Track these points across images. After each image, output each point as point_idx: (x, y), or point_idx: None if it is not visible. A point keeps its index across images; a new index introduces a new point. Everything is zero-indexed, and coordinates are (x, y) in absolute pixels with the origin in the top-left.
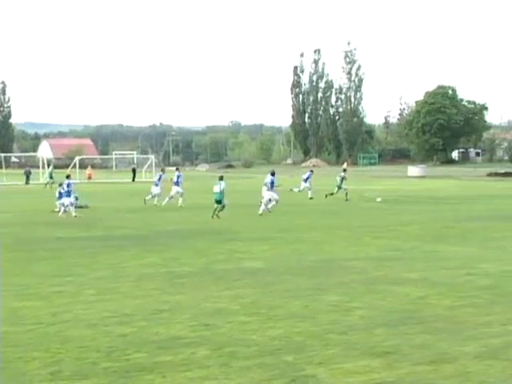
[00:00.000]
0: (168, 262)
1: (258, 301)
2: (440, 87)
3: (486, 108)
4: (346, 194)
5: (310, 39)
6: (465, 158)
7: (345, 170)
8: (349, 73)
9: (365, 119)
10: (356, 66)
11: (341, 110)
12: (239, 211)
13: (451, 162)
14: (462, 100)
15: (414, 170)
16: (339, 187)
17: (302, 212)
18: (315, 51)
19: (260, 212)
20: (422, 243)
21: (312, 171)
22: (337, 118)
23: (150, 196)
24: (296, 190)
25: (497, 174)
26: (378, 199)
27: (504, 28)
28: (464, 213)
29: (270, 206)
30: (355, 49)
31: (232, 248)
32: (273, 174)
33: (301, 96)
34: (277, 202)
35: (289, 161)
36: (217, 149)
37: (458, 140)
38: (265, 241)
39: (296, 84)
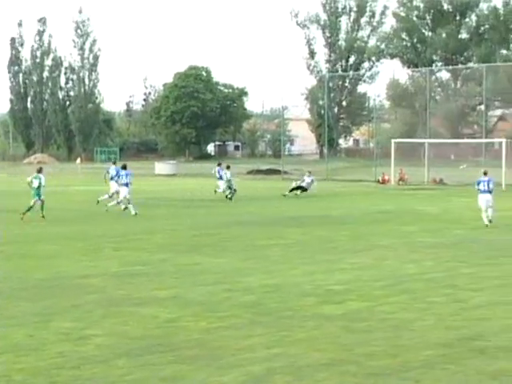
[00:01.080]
0: None
1: None
2: (192, 68)
3: (246, 93)
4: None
5: (31, 4)
6: (222, 153)
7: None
8: (81, 48)
9: (102, 105)
10: (90, 40)
11: (72, 93)
12: None
13: (206, 157)
14: (217, 83)
15: (162, 167)
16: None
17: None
18: (40, 20)
19: None
20: (173, 255)
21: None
22: (67, 103)
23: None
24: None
25: (258, 172)
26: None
27: (259, 5)
28: (224, 217)
29: None
30: (88, 19)
31: None
32: None
33: (21, 75)
34: None
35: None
36: None
37: (214, 131)
38: None
39: (14, 60)
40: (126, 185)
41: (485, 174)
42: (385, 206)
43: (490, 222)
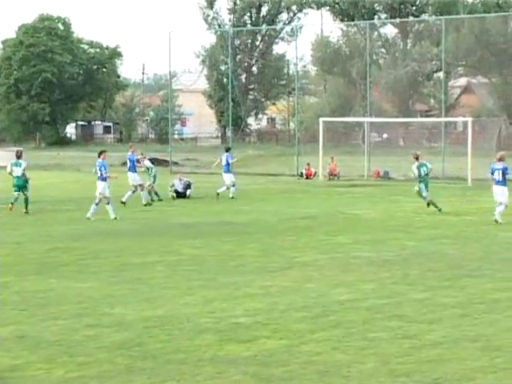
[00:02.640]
0: None
1: None
2: (44, 19)
3: (120, 55)
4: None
5: None
6: (87, 136)
7: None
8: None
9: None
10: None
11: None
12: None
13: (65, 142)
14: (80, 41)
15: (1, 157)
16: None
17: None
18: None
19: None
20: (17, 278)
21: None
22: None
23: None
24: None
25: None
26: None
27: None
28: (89, 225)
29: None
30: None
31: None
32: None
33: None
34: None
35: None
36: None
37: (75, 106)
38: None
39: None
40: None
41: (499, 160)
42: (309, 208)
43: (496, 221)
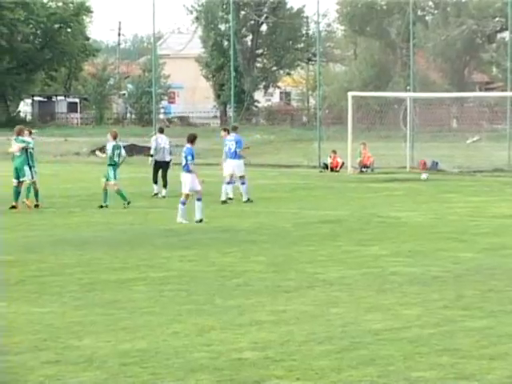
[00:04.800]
0: None
1: None
2: None
3: (88, 10)
4: None
5: None
6: (46, 116)
7: None
8: None
9: None
10: None
11: None
12: None
13: (17, 122)
14: None
15: None
16: None
17: None
18: None
19: None
20: None
21: None
22: None
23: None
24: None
25: None
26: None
27: None
28: (49, 231)
29: None
30: None
31: None
32: None
33: None
34: None
35: None
36: None
37: (32, 77)
38: None
39: None
40: None
41: None
42: (333, 210)
43: None
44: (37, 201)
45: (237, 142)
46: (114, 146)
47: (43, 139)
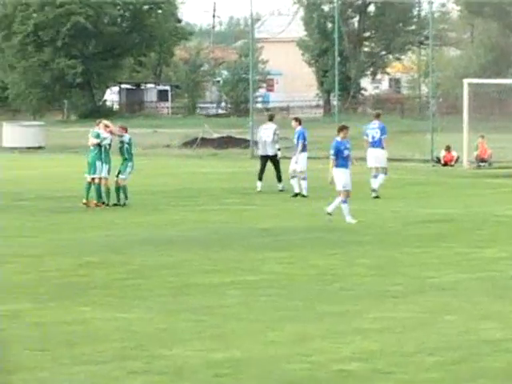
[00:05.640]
0: None
1: None
2: None
3: None
4: None
5: None
6: (135, 105)
7: None
8: None
9: None
10: None
11: None
12: None
13: (103, 112)
14: None
15: (14, 135)
16: None
17: None
18: None
19: None
20: (32, 305)
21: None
22: None
23: None
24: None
25: (205, 143)
26: None
27: None
28: (135, 230)
29: None
30: None
31: None
32: None
33: None
34: None
35: None
36: None
37: (119, 63)
38: None
39: None
40: None
41: None
42: (446, 207)
43: None
44: (107, 200)
45: (381, 129)
46: (130, 139)
47: (130, 131)
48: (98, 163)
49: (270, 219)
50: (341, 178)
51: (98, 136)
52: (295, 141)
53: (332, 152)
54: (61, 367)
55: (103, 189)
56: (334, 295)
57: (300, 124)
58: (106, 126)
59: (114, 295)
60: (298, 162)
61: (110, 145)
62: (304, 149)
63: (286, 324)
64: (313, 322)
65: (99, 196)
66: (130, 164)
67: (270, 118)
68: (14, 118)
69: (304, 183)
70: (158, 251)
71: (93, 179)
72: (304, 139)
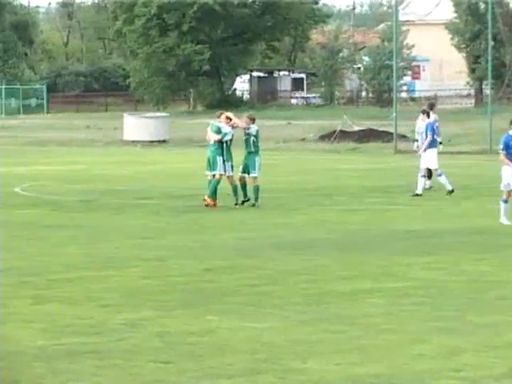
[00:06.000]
0: None
1: None
2: None
3: None
4: None
5: None
6: (267, 95)
7: None
8: None
9: None
10: None
11: None
12: None
13: (233, 103)
14: None
15: (137, 127)
16: None
17: None
18: None
19: None
20: (159, 313)
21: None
22: None
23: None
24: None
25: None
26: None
27: None
28: (266, 232)
29: None
30: None
31: None
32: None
33: None
34: None
35: None
36: None
37: (250, 49)
38: None
39: None
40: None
41: None
42: None
43: None
44: (235, 198)
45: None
46: (257, 131)
47: (262, 122)
48: (219, 159)
49: (415, 220)
50: (506, 175)
51: (218, 131)
52: (423, 135)
53: (501, 147)
54: (187, 381)
55: (227, 185)
56: (489, 305)
57: (428, 116)
58: (229, 119)
59: (244, 303)
60: (426, 160)
61: (231, 140)
62: (432, 144)
63: (434, 336)
64: (464, 334)
65: (213, 193)
66: (257, 159)
67: (430, 107)
68: (136, 108)
69: (442, 179)
70: (292, 255)
71: (213, 176)
72: (433, 132)
